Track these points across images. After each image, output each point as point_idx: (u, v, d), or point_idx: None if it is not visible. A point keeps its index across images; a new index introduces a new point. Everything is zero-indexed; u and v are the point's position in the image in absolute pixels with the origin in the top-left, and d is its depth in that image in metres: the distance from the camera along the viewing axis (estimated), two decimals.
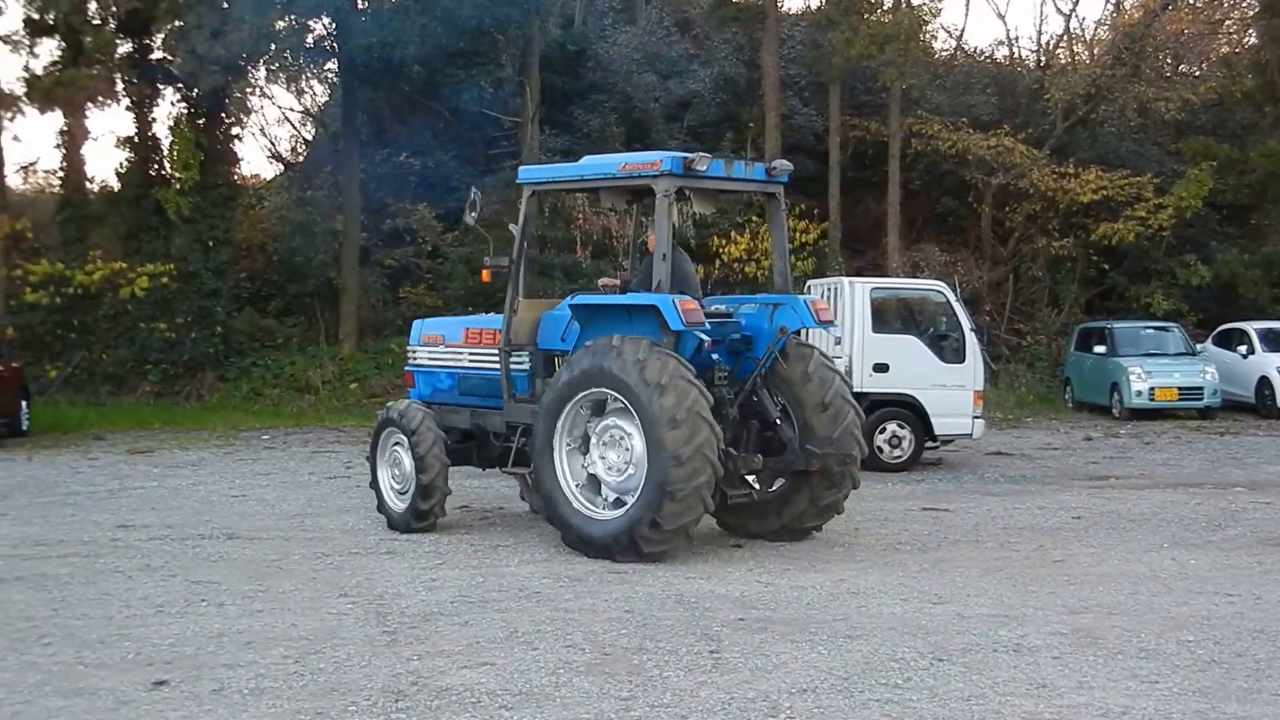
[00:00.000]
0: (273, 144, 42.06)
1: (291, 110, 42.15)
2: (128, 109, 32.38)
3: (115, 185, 33.02)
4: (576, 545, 12.60)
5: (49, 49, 31.89)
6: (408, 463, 13.98)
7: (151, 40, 31.66)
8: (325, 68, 34.72)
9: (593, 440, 12.59)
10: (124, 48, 31.72)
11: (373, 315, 32.60)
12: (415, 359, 15.08)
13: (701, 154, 12.89)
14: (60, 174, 33.39)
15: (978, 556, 12.87)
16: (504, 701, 7.89)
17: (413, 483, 13.91)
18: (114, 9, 30.29)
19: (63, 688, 8.25)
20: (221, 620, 10.04)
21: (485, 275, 13.96)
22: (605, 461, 12.49)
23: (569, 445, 12.71)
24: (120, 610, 10.43)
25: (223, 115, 32.23)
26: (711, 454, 11.94)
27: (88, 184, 33.24)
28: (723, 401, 12.72)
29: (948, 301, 20.28)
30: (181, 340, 30.61)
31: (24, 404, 26.23)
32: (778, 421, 13.06)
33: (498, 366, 13.77)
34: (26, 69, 32.08)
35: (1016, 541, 13.79)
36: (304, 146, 42.09)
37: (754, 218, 32.38)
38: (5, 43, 31.71)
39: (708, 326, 12.58)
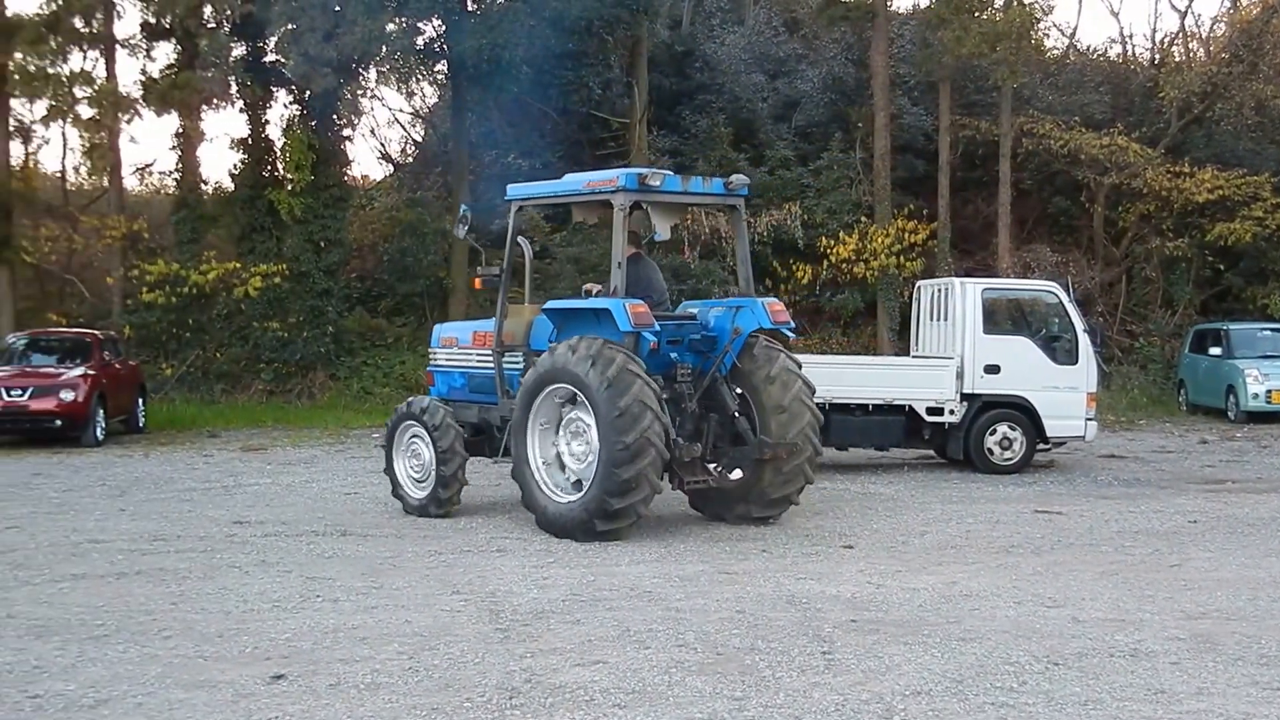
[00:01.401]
0: (383, 145, 42.51)
1: (401, 112, 42.63)
2: (241, 111, 32.95)
3: (229, 186, 33.62)
4: (544, 526, 13.81)
5: (165, 52, 32.64)
6: (427, 454, 15.17)
7: (265, 43, 32.16)
8: (435, 69, 35.04)
9: (561, 431, 13.82)
10: (238, 50, 32.26)
11: (481, 314, 32.77)
12: (435, 360, 16.40)
13: (656, 170, 14.15)
14: (176, 175, 34.07)
15: (1092, 560, 12.69)
16: (617, 700, 7.92)
17: (433, 474, 15.08)
18: (229, 12, 30.81)
19: (183, 680, 8.41)
20: (337, 616, 10.17)
21: (476, 283, 15.53)
22: (570, 450, 13.73)
23: (541, 432, 13.86)
24: (238, 605, 10.61)
25: (334, 117, 32.67)
26: (657, 441, 13.07)
27: (202, 185, 33.89)
28: (682, 396, 13.99)
29: (1060, 302, 20.04)
30: (293, 339, 31.07)
31: (141, 401, 26.82)
32: (735, 415, 14.09)
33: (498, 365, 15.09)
34: (143, 72, 32.89)
35: (1131, 545, 13.59)
36: (413, 148, 42.50)
37: (863, 218, 32.21)
38: (123, 46, 32.48)
39: (656, 327, 13.59)
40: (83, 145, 33.81)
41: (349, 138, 34.36)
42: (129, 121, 32.16)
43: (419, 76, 36.28)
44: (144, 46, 32.64)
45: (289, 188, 31.74)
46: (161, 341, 31.35)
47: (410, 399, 15.79)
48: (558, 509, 13.68)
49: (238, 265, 31.18)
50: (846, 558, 12.71)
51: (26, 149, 34.53)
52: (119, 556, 12.91)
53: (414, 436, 15.38)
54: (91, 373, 24.09)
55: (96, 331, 27.22)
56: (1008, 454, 19.59)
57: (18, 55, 30.53)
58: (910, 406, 19.59)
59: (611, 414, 12.98)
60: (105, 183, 34.33)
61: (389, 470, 15.70)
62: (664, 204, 14.41)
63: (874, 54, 32.96)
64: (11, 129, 32.44)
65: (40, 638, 9.52)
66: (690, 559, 12.51)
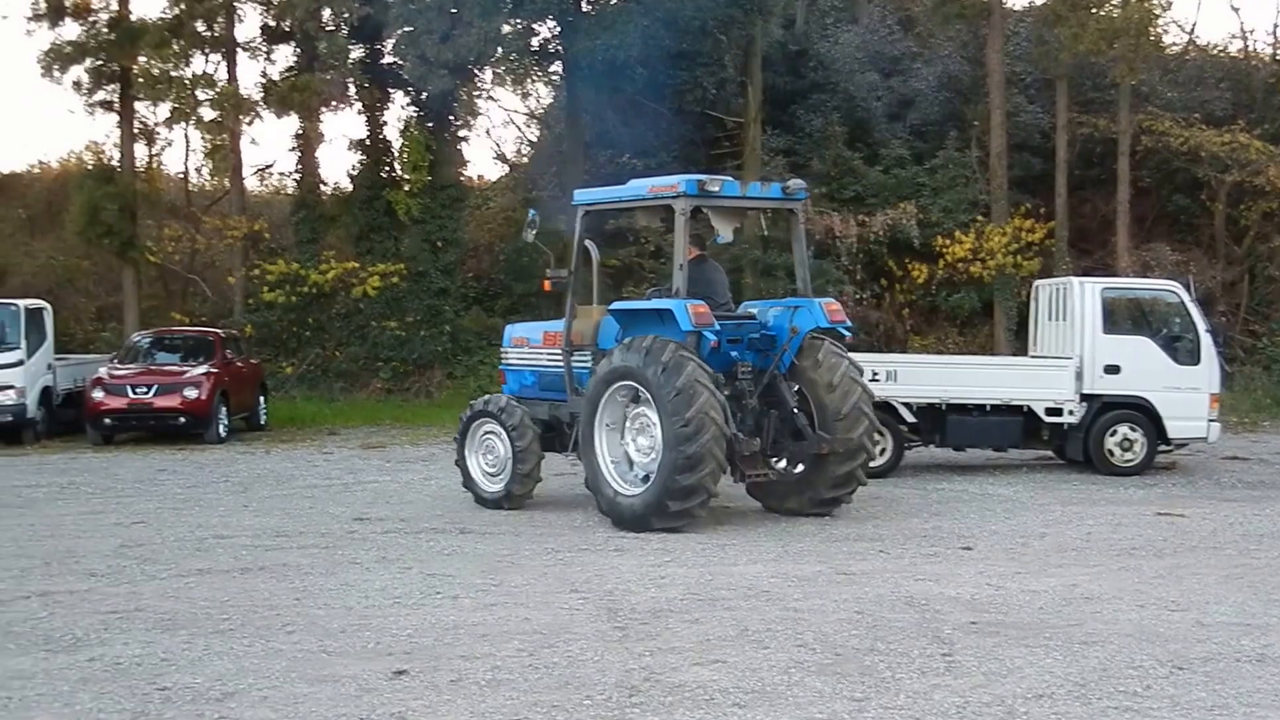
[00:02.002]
0: (498, 146, 42.82)
1: (516, 112, 42.87)
2: (359, 112, 33.44)
3: (348, 187, 34.07)
4: (609, 515, 14.39)
5: (285, 55, 33.20)
6: (502, 450, 15.77)
7: (382, 45, 32.58)
8: (550, 70, 35.20)
9: (627, 425, 14.40)
10: (356, 53, 32.70)
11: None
12: (506, 359, 17.06)
13: (715, 176, 14.55)
14: (295, 176, 34.66)
15: (1216, 563, 12.44)
16: (737, 699, 7.89)
17: (509, 469, 15.67)
18: (347, 15, 31.22)
19: (308, 674, 8.52)
20: (457, 612, 10.24)
21: (546, 285, 16.06)
22: (636, 445, 14.31)
23: (609, 428, 14.43)
24: (359, 600, 10.73)
25: (450, 118, 32.99)
26: (718, 451, 13.67)
27: (321, 186, 34.42)
28: (742, 393, 14.54)
29: (1181, 302, 19.66)
30: (411, 338, 31.40)
31: (262, 399, 27.26)
32: (794, 411, 14.61)
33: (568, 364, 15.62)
34: (264, 75, 33.45)
35: (1256, 549, 13.29)
36: (528, 148, 42.76)
37: (979, 217, 31.83)
38: (244, 50, 33.04)
39: (716, 327, 14.09)
40: (205, 147, 34.66)
41: (465, 138, 34.72)
42: (249, 123, 32.78)
43: (534, 77, 36.47)
44: (264, 49, 33.22)
45: (406, 188, 32.11)
46: (282, 340, 31.84)
47: (484, 396, 16.69)
48: (621, 501, 14.25)
49: (356, 265, 31.58)
50: (965, 559, 12.57)
51: (150, 151, 35.30)
52: (243, 552, 13.12)
53: (488, 433, 15.95)
54: (214, 371, 24.56)
55: (219, 330, 27.76)
56: (1128, 455, 19.26)
57: (142, 59, 31.23)
58: (1028, 407, 19.32)
59: (677, 423, 13.54)
60: (227, 184, 34.97)
61: (461, 462, 16.27)
62: (724, 208, 14.84)
63: (989, 51, 32.56)
64: (136, 131, 33.13)
65: (168, 631, 9.70)
66: (808, 559, 12.46)
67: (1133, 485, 18.26)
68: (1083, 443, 19.33)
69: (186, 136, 35.81)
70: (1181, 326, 19.61)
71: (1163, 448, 19.62)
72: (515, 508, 15.72)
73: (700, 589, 11.02)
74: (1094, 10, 31.35)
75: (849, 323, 15.07)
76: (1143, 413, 19.26)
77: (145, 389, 23.96)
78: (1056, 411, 19.27)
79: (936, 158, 33.42)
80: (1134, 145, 32.94)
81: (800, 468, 14.89)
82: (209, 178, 37.11)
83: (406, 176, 32.35)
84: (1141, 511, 15.77)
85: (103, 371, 24.54)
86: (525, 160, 42.00)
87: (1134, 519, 15.17)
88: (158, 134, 34.74)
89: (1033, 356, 20.98)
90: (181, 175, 38.11)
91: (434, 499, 16.81)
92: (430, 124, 32.48)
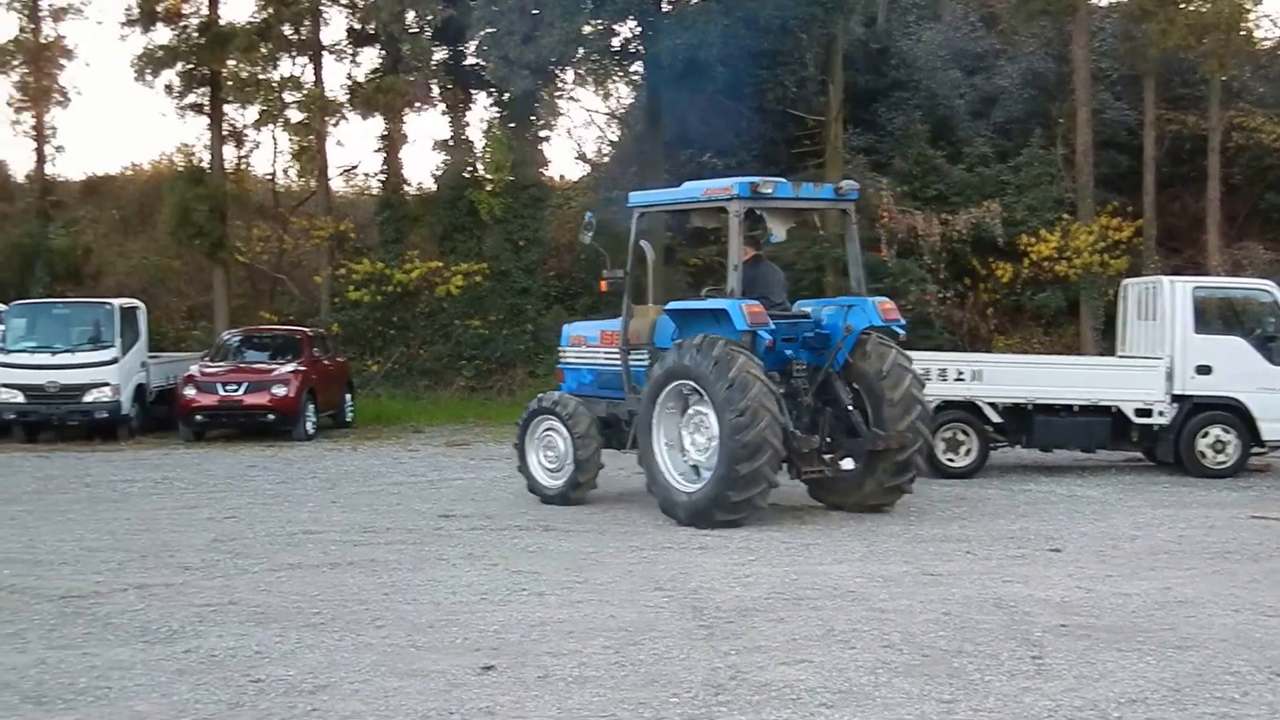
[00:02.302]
0: (579, 146, 42.84)
1: (597, 112, 42.86)
2: (443, 113, 33.73)
3: (431, 187, 34.29)
4: (668, 512, 14.61)
5: (370, 57, 33.51)
6: (562, 444, 16.10)
7: (465, 46, 32.77)
8: (631, 70, 35.23)
9: (684, 423, 14.68)
10: (439, 54, 32.93)
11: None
12: (564, 358, 17.42)
13: (768, 179, 14.84)
14: (380, 177, 34.91)
15: None
16: (824, 699, 7.85)
17: (570, 461, 15.97)
18: (430, 17, 31.41)
19: (397, 669, 8.58)
20: (543, 609, 10.28)
21: (603, 285, 16.32)
22: (693, 442, 14.55)
23: (665, 426, 14.73)
24: (447, 596, 10.80)
25: (532, 118, 33.11)
26: (774, 439, 13.91)
27: (405, 186, 34.65)
28: (798, 391, 14.84)
29: (1275, 301, 19.33)
30: (494, 337, 31.57)
31: (348, 397, 27.53)
32: (850, 408, 14.88)
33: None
34: (349, 77, 33.79)
35: None
36: (609, 148, 42.82)
37: (1064, 215, 31.48)
38: (330, 52, 33.38)
39: (772, 326, 14.42)
40: (292, 148, 34.92)
41: (547, 138, 34.88)
42: (335, 124, 33.14)
43: (615, 77, 36.51)
44: (349, 52, 33.57)
45: (489, 188, 32.26)
46: (367, 339, 32.12)
47: (540, 395, 16.99)
48: (681, 497, 14.49)
49: (440, 264, 31.79)
50: (1054, 561, 12.43)
51: (239, 152, 35.69)
52: (332, 547, 13.26)
53: (547, 430, 16.33)
54: (302, 369, 24.84)
55: (306, 329, 28.05)
56: (1220, 457, 18.96)
57: (231, 62, 31.62)
58: (1117, 408, 19.06)
59: (731, 414, 13.82)
60: (313, 184, 35.30)
61: (523, 469, 16.57)
62: (778, 209, 15.08)
63: (1074, 48, 32.17)
64: (225, 133, 33.57)
65: (260, 624, 9.82)
66: (893, 559, 12.38)
67: (1225, 488, 17.98)
68: (1173, 444, 19.03)
69: (274, 138, 36.21)
70: (1275, 327, 19.26)
71: (1256, 450, 19.29)
72: (580, 500, 16.05)
73: (785, 588, 10.99)
74: (1183, 5, 30.88)
75: (903, 320, 15.39)
76: (1235, 414, 18.95)
77: (235, 386, 24.31)
78: (1146, 412, 18.99)
79: (1021, 155, 33.08)
80: (1224, 142, 32.44)
81: (849, 463, 15.05)
82: (296, 179, 37.44)
83: (489, 176, 32.50)
84: (1235, 515, 15.52)
85: (194, 369, 24.91)
86: (606, 160, 42.09)
87: (1227, 522, 14.93)
88: (246, 136, 35.19)
89: (1121, 357, 20.71)
90: (269, 176, 38.54)
91: (517, 497, 16.85)
92: (512, 124, 32.64)
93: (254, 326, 29.61)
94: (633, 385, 15.80)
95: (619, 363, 16.05)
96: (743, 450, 13.79)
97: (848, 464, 15.02)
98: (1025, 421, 19.18)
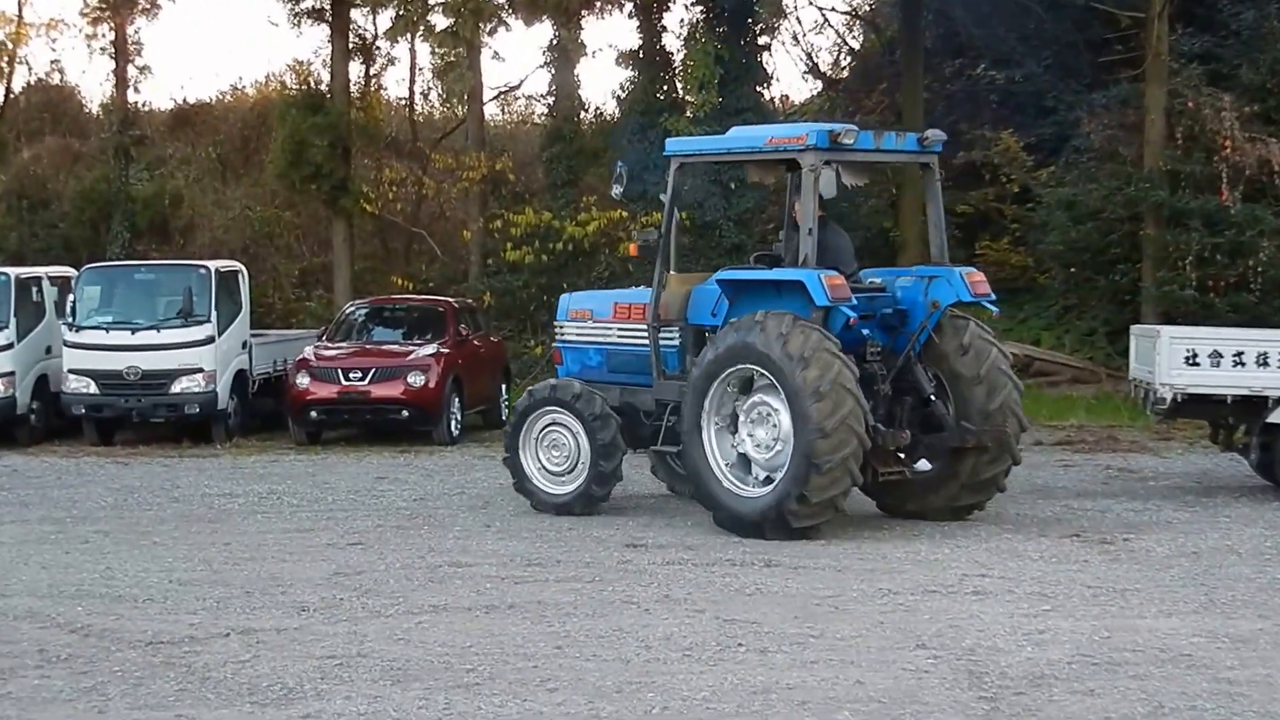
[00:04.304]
0: (810, 56, 42.40)
1: (834, 12, 42.51)
2: (631, 16, 33.63)
3: (615, 113, 34.35)
4: (727, 525, 15.74)
5: None
6: (572, 445, 17.20)
7: None
8: None
9: (741, 418, 15.72)
10: None
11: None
12: (564, 335, 18.59)
13: (849, 127, 15.92)
14: (548, 101, 35.09)
15: None
16: None
17: (586, 469, 17.11)
18: None
19: None
20: (766, 671, 10.25)
21: (633, 249, 17.56)
22: (754, 439, 15.62)
23: (717, 424, 15.85)
24: (637, 651, 10.85)
25: (749, 21, 32.96)
26: (858, 426, 14.99)
27: (582, 113, 34.73)
28: (874, 377, 15.88)
29: None
30: None
31: (504, 388, 27.65)
32: (932, 397, 16.08)
33: (646, 342, 17.02)
34: None
35: None
36: (850, 58, 42.54)
37: None
38: None
39: (854, 301, 15.46)
40: (435, 65, 35.34)
41: (767, 47, 34.70)
42: (492, 33, 33.31)
43: None
44: None
45: (690, 113, 32.18)
46: (529, 311, 32.26)
47: (548, 382, 18.16)
48: (742, 504, 15.63)
49: (624, 214, 31.76)
50: None
51: (368, 71, 36.33)
52: (487, 585, 13.40)
53: (554, 425, 17.38)
54: (445, 351, 25.09)
55: (451, 299, 28.31)
56: None
57: None
58: None
59: (808, 396, 14.85)
60: (462, 112, 35.69)
61: (510, 461, 17.66)
62: (854, 163, 16.37)
63: None
64: (351, 47, 34.15)
65: (398, 683, 9.95)
66: (1243, 612, 12.11)
67: None
68: None
69: (413, 52, 36.80)
70: None
71: None
72: (588, 513, 17.15)
73: (1094, 649, 10.83)
74: None
75: (994, 295, 16.58)
76: None
77: (360, 374, 24.58)
78: None
79: None
80: None
81: (924, 464, 16.37)
82: (440, 105, 38.02)
83: (690, 98, 32.47)
84: None
85: (308, 352, 25.34)
86: (845, 74, 41.83)
87: None
88: (378, 50, 35.77)
89: None
90: (405, 102, 39.11)
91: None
92: (721, 29, 32.53)
93: (385, 296, 30.08)
94: (663, 369, 16.85)
95: (638, 341, 17.22)
96: (822, 440, 14.80)
97: (924, 465, 16.36)
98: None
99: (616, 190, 17.42)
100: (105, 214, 34.65)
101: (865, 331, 15.88)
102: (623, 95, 33.87)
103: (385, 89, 38.45)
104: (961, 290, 16.12)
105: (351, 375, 24.62)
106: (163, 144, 39.21)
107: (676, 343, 16.90)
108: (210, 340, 24.87)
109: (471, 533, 16.34)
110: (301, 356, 25.13)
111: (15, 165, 39.09)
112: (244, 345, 25.95)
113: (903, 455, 16.23)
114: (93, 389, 24.73)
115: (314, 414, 24.85)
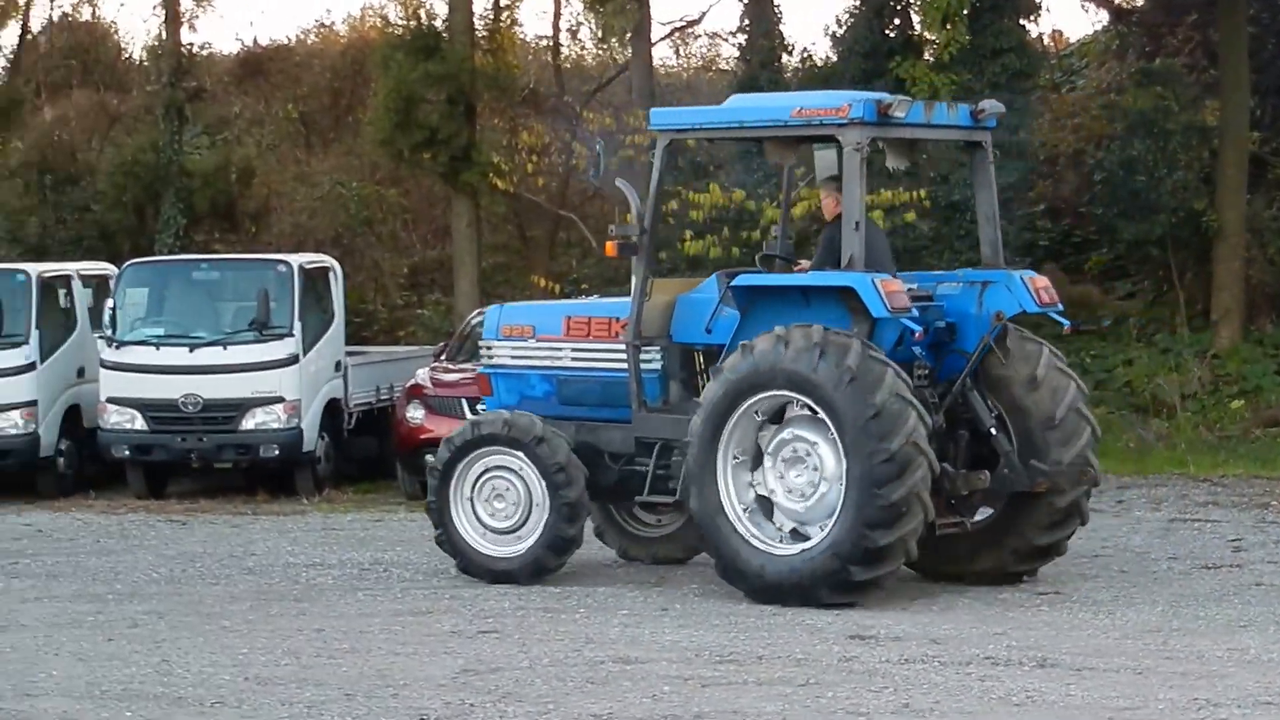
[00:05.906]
0: None
1: None
2: None
3: (829, 56, 34.40)
4: (760, 595, 16.40)
5: None
6: (522, 495, 17.80)
7: None
8: None
9: (767, 457, 16.47)
10: None
11: (1275, 278, 32.14)
12: (493, 358, 19.35)
13: (901, 98, 16.80)
14: (739, 39, 35.27)
15: None
16: None
17: (539, 529, 17.69)
18: None
19: None
20: None
21: (610, 248, 18.13)
22: (784, 483, 16.35)
23: (736, 458, 16.55)
24: None
25: None
26: (925, 445, 15.75)
27: (784, 55, 34.79)
28: (925, 406, 16.37)
29: None
30: None
31: None
32: (992, 432, 16.81)
33: (613, 366, 17.75)
34: None
35: None
36: None
37: None
38: None
39: (915, 312, 16.20)
40: None
41: None
42: None
43: None
44: None
45: (929, 55, 32.15)
46: None
47: (484, 417, 18.73)
48: (782, 565, 16.28)
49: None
50: None
51: (498, 2, 36.47)
52: (665, 687, 13.42)
53: (496, 470, 18.01)
54: None
55: None
56: None
57: None
58: None
59: (863, 417, 15.65)
60: (622, 56, 35.83)
61: (445, 540, 18.26)
62: (901, 141, 17.42)
63: None
64: None
65: None
66: None
67: None
68: None
69: None
70: None
71: None
72: (532, 582, 17.76)
73: None
74: None
75: (1061, 305, 17.42)
76: None
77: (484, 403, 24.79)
78: None
79: None
80: None
81: (987, 513, 17.19)
82: (594, 46, 38.26)
83: (930, 35, 32.43)
84: None
85: (422, 375, 25.54)
86: (1141, 5, 41.54)
87: None
88: None
89: None
90: (548, 44, 39.36)
91: (986, 603, 16.78)
92: None
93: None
94: (644, 400, 17.52)
95: (600, 364, 18.05)
96: (888, 465, 15.63)
97: (984, 513, 17.12)
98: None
99: (592, 173, 17.76)
100: (153, 193, 35.07)
101: (916, 349, 16.74)
102: (839, 33, 33.89)
103: (521, 26, 38.72)
104: (1026, 299, 16.92)
105: (479, 407, 24.74)
106: (227, 101, 39.61)
107: (658, 366, 17.53)
108: (293, 360, 25.24)
109: (643, 618, 16.41)
110: (413, 382, 25.32)
111: (35, 129, 39.54)
112: (337, 367, 26.26)
113: (953, 502, 16.91)
114: (139, 424, 25.04)
115: (430, 458, 24.96)
